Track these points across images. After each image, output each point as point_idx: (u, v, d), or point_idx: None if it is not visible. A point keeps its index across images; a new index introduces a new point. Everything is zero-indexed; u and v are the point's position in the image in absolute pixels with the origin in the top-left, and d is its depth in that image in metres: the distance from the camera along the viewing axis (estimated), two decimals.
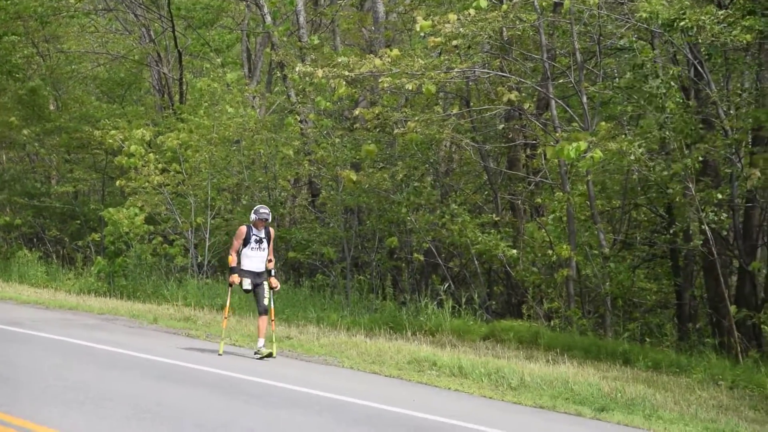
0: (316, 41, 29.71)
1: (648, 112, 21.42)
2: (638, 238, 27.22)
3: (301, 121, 28.89)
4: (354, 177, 24.60)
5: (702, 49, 19.81)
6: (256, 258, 17.16)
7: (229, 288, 17.60)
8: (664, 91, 19.86)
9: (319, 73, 22.55)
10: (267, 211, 17.29)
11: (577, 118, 23.03)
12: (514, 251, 23.20)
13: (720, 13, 18.56)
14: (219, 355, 16.94)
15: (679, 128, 19.89)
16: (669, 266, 25.11)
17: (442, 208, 24.84)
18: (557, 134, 22.35)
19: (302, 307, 23.61)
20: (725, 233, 21.11)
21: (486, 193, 27.96)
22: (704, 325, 22.59)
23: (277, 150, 28.45)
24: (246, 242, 17.12)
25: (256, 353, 17.04)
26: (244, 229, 17.22)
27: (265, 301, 17.13)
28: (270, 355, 16.88)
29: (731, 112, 21.23)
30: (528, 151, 25.72)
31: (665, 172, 20.57)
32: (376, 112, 24.21)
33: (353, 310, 23.54)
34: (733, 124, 20.60)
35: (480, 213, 26.63)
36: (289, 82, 29.57)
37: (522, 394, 14.86)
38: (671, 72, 20.72)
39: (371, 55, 23.81)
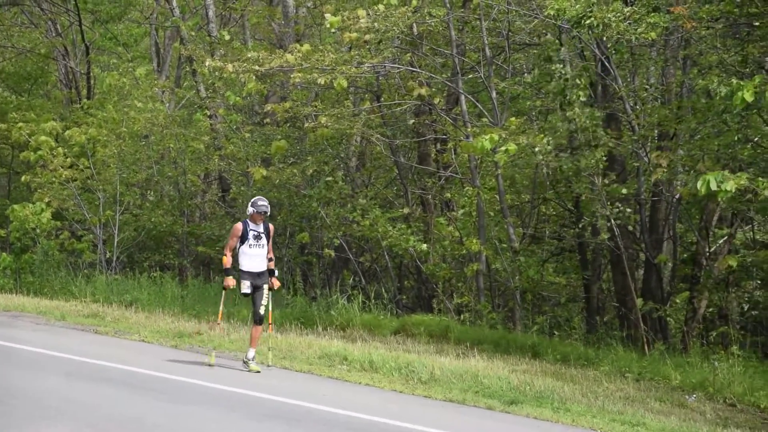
0: (226, 36, 29.54)
1: (555, 107, 21.62)
2: (547, 232, 27.53)
3: (210, 116, 28.74)
4: (264, 173, 24.51)
5: (609, 45, 20.05)
6: (256, 256, 15.60)
7: (223, 292, 16.33)
8: (571, 86, 20.06)
9: (229, 67, 22.45)
10: (266, 204, 15.61)
11: (486, 114, 23.19)
12: (425, 246, 23.28)
13: (626, 10, 18.80)
14: (210, 366, 15.53)
15: (584, 125, 20.11)
16: (577, 260, 25.39)
17: (353, 203, 24.85)
18: (468, 129, 22.49)
19: (213, 302, 23.45)
20: (632, 227, 21.38)
21: (396, 187, 28.03)
22: (612, 318, 22.87)
23: (186, 145, 28.26)
24: (243, 239, 15.54)
25: (244, 363, 15.66)
26: (240, 225, 15.61)
27: (262, 310, 15.62)
28: (258, 372, 15.39)
29: (638, 107, 21.55)
30: (438, 146, 25.83)
31: (572, 167, 20.79)
32: (287, 107, 24.14)
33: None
34: (639, 120, 20.89)
35: (391, 208, 26.69)
36: (198, 77, 29.40)
37: (432, 388, 14.92)
38: (575, 69, 20.94)
39: (281, 50, 23.74)
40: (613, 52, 20.48)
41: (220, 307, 16.91)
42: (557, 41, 22.53)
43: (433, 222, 25.07)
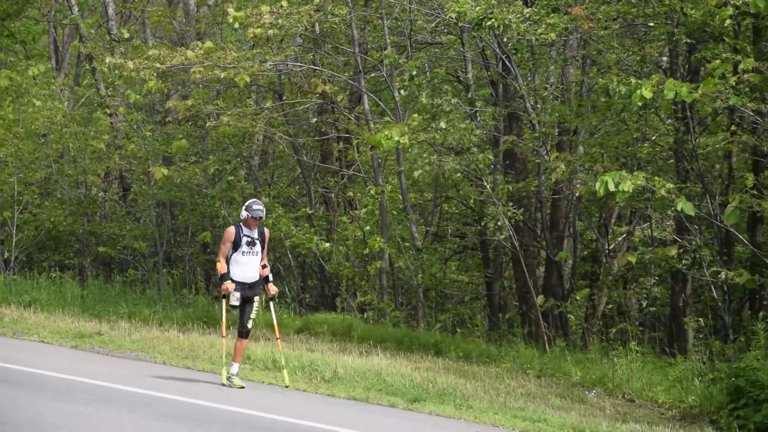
0: (126, 34, 29.24)
1: (458, 105, 21.78)
2: (450, 230, 27.68)
3: (110, 115, 28.41)
4: (165, 172, 24.30)
5: (509, 46, 20.24)
6: (248, 265, 14.44)
7: (224, 300, 14.70)
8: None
9: (130, 65, 22.24)
10: (261, 208, 14.48)
11: (389, 112, 23.25)
12: (328, 244, 23.28)
13: (526, 11, 18.98)
14: (222, 385, 14.39)
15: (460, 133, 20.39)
16: (479, 258, 25.58)
17: None
18: (370, 127, 22.54)
19: (113, 302, 23.21)
20: (524, 224, 21.57)
21: (299, 186, 27.98)
22: (513, 315, 23.07)
23: (86, 144, 27.91)
24: (236, 245, 14.34)
25: (228, 379, 14.52)
26: (232, 230, 14.38)
27: (250, 323, 14.65)
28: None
29: (538, 106, 21.79)
30: (341, 145, 25.85)
31: (459, 168, 21.04)
32: (188, 104, 23.97)
33: (166, 305, 23.25)
34: (540, 118, 21.12)
35: (294, 207, 26.63)
36: (98, 75, 29.03)
37: (335, 386, 14.95)
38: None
39: (183, 47, 23.57)
40: (514, 51, 20.67)
41: (223, 319, 15.16)
42: (459, 40, 22.72)
43: (336, 221, 25.08)
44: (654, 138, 21.04)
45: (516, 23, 18.68)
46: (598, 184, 15.08)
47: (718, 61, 15.31)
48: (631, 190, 15.09)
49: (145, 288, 25.33)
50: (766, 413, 14.07)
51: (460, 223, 27.53)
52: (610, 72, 18.82)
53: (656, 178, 16.17)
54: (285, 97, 25.71)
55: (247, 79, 22.05)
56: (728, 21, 16.70)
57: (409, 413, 13.48)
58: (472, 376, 16.51)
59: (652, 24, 19.12)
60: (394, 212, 24.27)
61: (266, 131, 24.70)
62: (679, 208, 15.17)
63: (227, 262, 14.47)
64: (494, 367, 17.73)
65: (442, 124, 20.62)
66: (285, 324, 21.01)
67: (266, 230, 14.74)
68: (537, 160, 21.58)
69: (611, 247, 23.16)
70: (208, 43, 22.56)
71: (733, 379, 14.91)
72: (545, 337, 19.36)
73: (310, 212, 24.99)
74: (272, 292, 14.86)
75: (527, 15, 18.90)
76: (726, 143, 18.40)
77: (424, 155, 20.88)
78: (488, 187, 20.29)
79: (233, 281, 14.34)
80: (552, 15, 18.57)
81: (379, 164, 23.37)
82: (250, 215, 14.33)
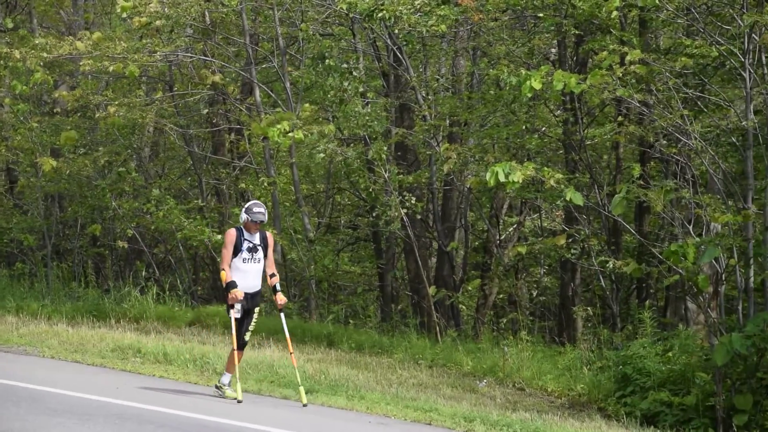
0: (11, 24, 28.69)
1: (351, 97, 21.78)
2: (342, 221, 27.70)
3: None
4: (54, 163, 23.91)
5: (400, 37, 20.29)
6: (249, 273, 13.16)
7: (231, 310, 13.18)
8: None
9: (16, 54, 21.83)
10: (263, 211, 13.14)
11: (281, 103, 23.15)
12: (220, 237, 23.10)
13: (416, 2, 19.04)
14: (239, 402, 13.07)
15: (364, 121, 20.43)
16: (372, 249, 25.63)
17: (146, 194, 24.48)
18: (262, 118, 22.42)
19: (0, 296, 22.80)
20: (420, 216, 21.67)
21: (191, 178, 27.75)
22: (406, 306, 23.16)
23: None
24: (236, 251, 13.11)
25: (217, 388, 13.52)
26: (233, 233, 13.16)
27: (248, 336, 13.51)
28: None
29: (429, 97, 21.89)
30: (233, 136, 25.68)
31: (354, 159, 21.08)
32: (77, 95, 23.61)
33: (54, 299, 22.87)
34: (431, 110, 21.22)
35: (185, 198, 26.41)
36: None
37: None
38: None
39: (71, 37, 23.21)
40: (405, 43, 20.74)
41: (233, 330, 13.34)
42: (350, 31, 22.71)
43: (228, 213, 24.91)
44: (543, 129, 21.27)
45: (407, 15, 18.72)
46: (488, 175, 15.14)
47: (605, 53, 15.47)
48: (521, 181, 15.18)
49: (33, 281, 24.91)
50: (652, 400, 14.34)
51: (353, 215, 27.58)
52: (500, 63, 18.96)
53: (546, 168, 16.32)
54: (176, 88, 25.46)
55: (137, 72, 21.81)
56: (615, 13, 16.94)
57: (301, 405, 13.43)
58: (364, 367, 16.54)
59: (541, 15, 19.32)
60: (287, 204, 24.20)
61: (157, 122, 24.44)
62: (568, 199, 15.33)
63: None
64: (387, 357, 17.78)
65: (344, 112, 20.51)
66: (176, 317, 20.87)
67: (269, 235, 13.39)
68: (428, 152, 21.68)
69: (502, 237, 23.38)
70: (97, 34, 22.23)
71: (621, 367, 15.18)
72: (437, 328, 19.47)
73: (201, 204, 24.80)
74: (280, 303, 13.51)
75: (418, 6, 18.96)
76: (613, 134, 18.69)
77: (324, 141, 20.74)
78: (385, 175, 20.30)
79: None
80: (442, 6, 18.65)
81: (271, 155, 23.26)
82: (250, 218, 13.07)
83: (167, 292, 22.51)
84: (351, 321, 21.70)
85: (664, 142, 17.71)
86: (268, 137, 20.03)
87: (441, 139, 21.21)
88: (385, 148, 20.70)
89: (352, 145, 21.91)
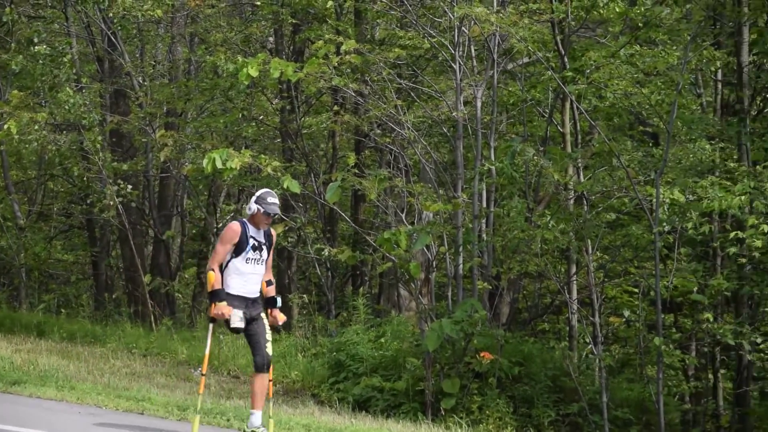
0: None
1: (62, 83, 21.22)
2: (55, 209, 27.00)
3: None
4: None
5: (115, 21, 19.90)
6: (252, 276, 10.48)
7: (211, 325, 10.68)
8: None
9: None
10: (278, 202, 10.62)
11: None
12: None
13: None
14: None
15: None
16: (86, 237, 25.11)
17: None
18: None
19: None
20: (144, 203, 21.40)
21: None
22: (121, 294, 22.82)
23: None
24: (239, 249, 10.38)
25: None
26: (237, 228, 10.39)
27: (269, 348, 10.50)
28: None
29: (146, 84, 21.56)
30: None
31: (86, 143, 20.59)
32: None
33: None
34: (147, 98, 20.91)
35: None
36: None
37: None
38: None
39: None
40: (120, 27, 20.36)
41: (206, 350, 10.69)
42: (63, 14, 22.11)
43: None
44: (261, 117, 21.32)
45: None
46: (205, 161, 15.00)
47: (321, 42, 15.58)
48: (238, 168, 15.14)
49: None
50: (364, 386, 14.57)
51: (66, 202, 26.92)
52: (218, 50, 18.88)
53: (263, 156, 16.35)
54: None
55: None
56: (330, 3, 17.17)
57: (8, 396, 12.98)
58: (76, 357, 16.17)
59: (258, 3, 19.35)
60: None
61: None
62: (284, 186, 15.37)
63: (222, 272, 10.44)
64: (100, 347, 17.47)
65: (54, 98, 19.96)
66: None
67: (274, 231, 10.77)
68: (144, 139, 21.37)
69: (220, 225, 23.30)
70: None
71: (334, 353, 15.38)
72: (152, 316, 19.26)
73: None
74: (280, 321, 10.76)
75: None
76: (330, 123, 18.89)
77: (36, 128, 20.09)
78: (100, 163, 19.88)
79: (231, 296, 10.34)
80: None
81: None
82: (262, 210, 10.39)
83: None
84: (63, 310, 21.18)
85: (379, 131, 18.04)
86: None
87: (157, 126, 20.94)
88: (100, 138, 20.29)
89: (65, 132, 21.31)
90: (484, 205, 15.91)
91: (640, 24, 16.70)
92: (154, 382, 14.76)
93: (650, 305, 15.49)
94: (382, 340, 15.57)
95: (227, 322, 10.32)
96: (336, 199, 16.52)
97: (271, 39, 21.61)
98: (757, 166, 14.41)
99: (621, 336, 20.69)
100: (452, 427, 12.68)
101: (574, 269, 16.66)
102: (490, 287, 15.68)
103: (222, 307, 10.18)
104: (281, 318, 10.69)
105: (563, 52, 16.67)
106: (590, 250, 15.49)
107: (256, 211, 10.36)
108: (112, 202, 19.83)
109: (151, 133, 20.80)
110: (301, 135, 19.62)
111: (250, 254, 10.36)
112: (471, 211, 15.40)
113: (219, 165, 15.01)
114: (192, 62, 22.33)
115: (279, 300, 10.72)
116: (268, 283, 10.67)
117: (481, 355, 14.02)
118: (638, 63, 16.22)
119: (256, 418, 10.43)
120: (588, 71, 16.20)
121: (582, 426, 14.25)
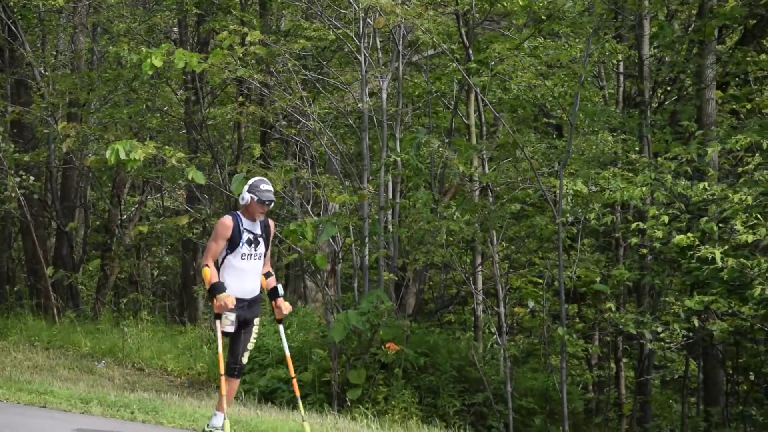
0: None
1: None
2: None
3: None
4: None
5: (16, 10, 19.61)
6: (248, 273, 9.74)
7: (218, 321, 9.73)
8: None
9: None
10: (271, 189, 9.83)
11: None
12: None
13: None
14: None
15: None
16: None
17: None
18: None
19: None
20: (46, 195, 21.12)
21: None
22: (22, 287, 22.52)
23: None
24: (233, 245, 9.63)
25: None
26: (229, 222, 9.61)
27: (245, 358, 9.96)
28: None
29: (47, 74, 21.28)
30: None
31: None
32: None
33: None
34: (48, 88, 20.64)
35: None
36: None
37: None
38: None
39: None
40: (20, 17, 20.06)
41: (219, 350, 9.80)
42: None
43: None
44: (165, 108, 21.15)
45: None
46: (108, 152, 14.86)
47: (226, 33, 15.49)
48: (142, 159, 15.00)
49: None
50: (270, 377, 14.56)
51: None
52: (121, 41, 18.67)
53: (167, 147, 16.22)
54: None
55: None
56: None
57: None
58: None
59: None
60: None
61: None
62: (189, 178, 15.26)
63: (218, 268, 9.71)
64: (1, 340, 17.24)
65: None
66: None
67: (271, 222, 10.01)
68: (46, 130, 21.08)
69: (124, 217, 23.11)
70: None
71: None
72: (55, 309, 19.04)
73: None
74: (285, 311, 10.17)
75: None
76: (235, 114, 18.77)
77: None
78: (0, 154, 19.58)
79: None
80: None
81: None
82: (256, 198, 9.63)
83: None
84: None
85: (284, 122, 17.99)
86: None
87: (60, 117, 20.66)
88: (1, 129, 19.98)
89: None
90: (390, 196, 15.98)
91: (543, 16, 16.89)
92: (56, 374, 14.62)
93: (554, 295, 15.69)
94: (289, 331, 15.55)
95: (221, 322, 9.62)
96: (241, 191, 16.48)
97: (175, 29, 21.46)
98: (658, 158, 14.59)
99: (526, 326, 20.93)
100: (358, 417, 12.70)
101: (479, 260, 16.81)
102: (396, 278, 15.74)
103: (223, 298, 9.46)
104: (286, 308, 10.11)
105: (468, 44, 16.80)
106: (495, 241, 15.64)
107: (249, 200, 9.61)
108: (13, 194, 19.55)
109: (53, 123, 20.52)
110: (206, 126, 19.49)
111: (245, 249, 9.62)
112: (377, 203, 15.44)
113: (122, 156, 14.86)
114: (95, 52, 22.06)
115: (281, 288, 10.11)
116: (267, 275, 10.02)
117: (387, 346, 14.08)
118: (542, 55, 16.43)
119: (218, 419, 9.89)
120: (492, 63, 16.35)
121: (487, 415, 14.37)
